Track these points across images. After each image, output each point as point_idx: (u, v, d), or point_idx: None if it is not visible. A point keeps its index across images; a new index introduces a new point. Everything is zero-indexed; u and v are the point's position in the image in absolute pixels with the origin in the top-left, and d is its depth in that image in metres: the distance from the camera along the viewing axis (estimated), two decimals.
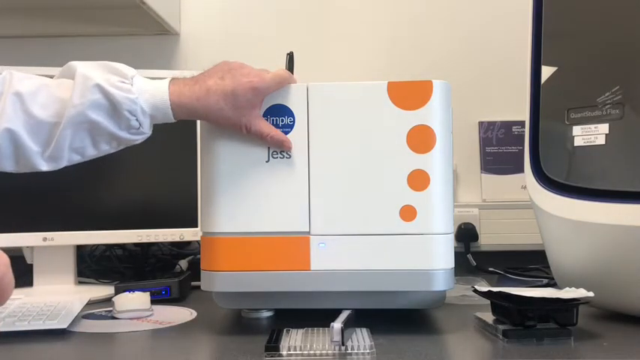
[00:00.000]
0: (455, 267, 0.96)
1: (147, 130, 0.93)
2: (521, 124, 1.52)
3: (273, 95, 0.96)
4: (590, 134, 0.98)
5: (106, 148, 0.93)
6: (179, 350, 0.90)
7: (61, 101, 0.88)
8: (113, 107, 0.88)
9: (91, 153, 0.92)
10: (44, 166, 0.90)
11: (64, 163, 0.91)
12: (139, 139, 0.94)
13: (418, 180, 0.94)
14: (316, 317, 0.91)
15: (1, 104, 0.87)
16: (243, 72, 0.93)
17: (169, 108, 0.91)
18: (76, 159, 0.92)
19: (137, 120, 0.90)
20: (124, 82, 0.89)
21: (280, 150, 0.95)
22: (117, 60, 0.96)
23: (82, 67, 0.90)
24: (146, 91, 0.90)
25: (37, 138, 0.88)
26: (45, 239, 1.30)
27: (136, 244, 1.51)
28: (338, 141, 0.95)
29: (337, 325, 0.81)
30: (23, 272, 1.35)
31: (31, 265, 1.35)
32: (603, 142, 0.97)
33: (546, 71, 1.06)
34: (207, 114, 0.93)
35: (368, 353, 0.81)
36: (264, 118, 0.95)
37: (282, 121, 0.96)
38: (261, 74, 0.94)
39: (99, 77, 0.88)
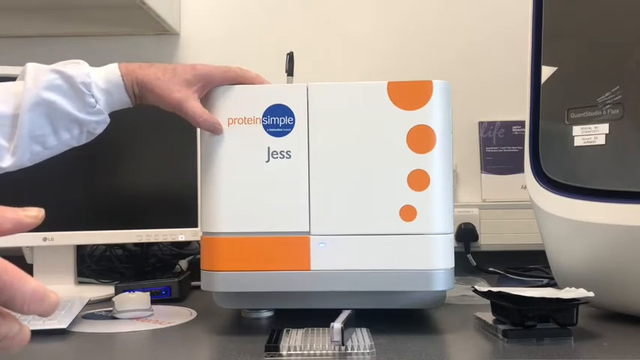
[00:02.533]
0: (455, 267, 0.96)
1: (104, 109, 0.93)
2: (521, 124, 1.52)
3: (274, 95, 0.96)
4: (590, 134, 0.98)
5: (67, 137, 0.93)
6: (179, 350, 0.90)
7: (16, 94, 0.90)
8: (68, 84, 0.90)
9: (53, 143, 0.92)
10: (8, 161, 0.89)
11: (26, 156, 0.91)
12: (98, 121, 0.94)
13: (418, 180, 0.94)
14: (316, 317, 0.91)
15: None
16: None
17: (120, 77, 0.93)
18: (37, 150, 0.91)
19: (93, 96, 0.91)
20: (75, 64, 0.93)
21: (213, 133, 0.96)
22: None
23: (33, 63, 0.93)
24: (97, 69, 0.94)
25: (3, 132, 0.89)
26: (45, 239, 1.30)
27: (135, 244, 1.51)
28: (338, 141, 0.95)
29: (337, 325, 0.81)
30: None
31: (31, 265, 1.35)
32: (603, 142, 0.97)
33: (546, 71, 1.06)
34: (145, 83, 0.94)
35: (368, 353, 0.81)
36: (200, 103, 0.96)
37: (282, 121, 0.96)
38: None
39: (52, 65, 0.92)
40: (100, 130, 0.96)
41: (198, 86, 0.96)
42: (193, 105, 0.95)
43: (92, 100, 0.92)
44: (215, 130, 0.95)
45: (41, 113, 0.89)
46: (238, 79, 0.98)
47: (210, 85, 0.97)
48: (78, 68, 0.92)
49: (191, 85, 0.95)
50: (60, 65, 0.93)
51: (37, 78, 0.90)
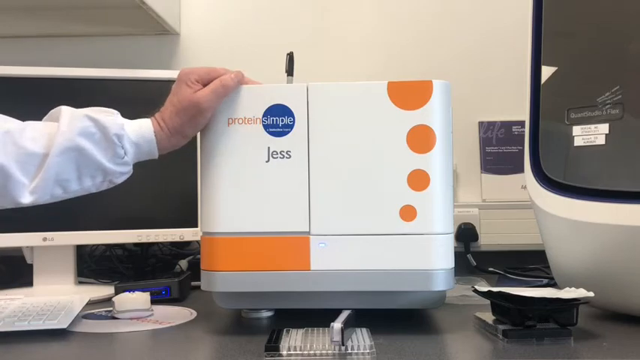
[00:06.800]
0: (455, 267, 0.96)
1: (130, 162, 0.95)
2: (521, 124, 1.51)
3: (273, 95, 0.96)
4: (590, 134, 0.98)
5: (89, 185, 0.94)
6: (179, 350, 0.90)
7: (49, 135, 0.91)
8: (101, 133, 0.92)
9: (74, 188, 0.93)
10: (27, 199, 0.90)
11: (46, 197, 0.92)
12: (123, 172, 0.95)
13: (418, 180, 0.94)
14: (316, 317, 0.91)
15: None
16: (184, 105, 0.95)
17: (153, 133, 0.94)
18: (58, 193, 0.92)
19: (123, 148, 0.93)
20: (110, 115, 0.94)
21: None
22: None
23: (67, 107, 0.94)
24: (131, 122, 0.95)
25: (27, 170, 0.89)
26: (45, 239, 1.30)
27: (135, 244, 1.51)
28: (338, 141, 0.95)
29: (337, 325, 0.81)
30: (23, 272, 1.35)
31: (31, 265, 1.35)
32: (603, 142, 0.97)
33: (546, 71, 1.06)
34: (176, 130, 0.96)
35: (368, 353, 0.81)
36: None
37: (282, 121, 0.96)
38: (200, 96, 0.95)
39: (86, 110, 0.93)
40: (120, 180, 0.96)
41: (195, 81, 0.96)
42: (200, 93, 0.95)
43: (121, 152, 0.93)
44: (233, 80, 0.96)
45: (70, 159, 0.90)
46: (226, 93, 0.96)
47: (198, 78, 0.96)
48: (112, 119, 0.93)
49: (195, 86, 0.96)
50: (94, 112, 0.93)
51: (72, 123, 0.91)
